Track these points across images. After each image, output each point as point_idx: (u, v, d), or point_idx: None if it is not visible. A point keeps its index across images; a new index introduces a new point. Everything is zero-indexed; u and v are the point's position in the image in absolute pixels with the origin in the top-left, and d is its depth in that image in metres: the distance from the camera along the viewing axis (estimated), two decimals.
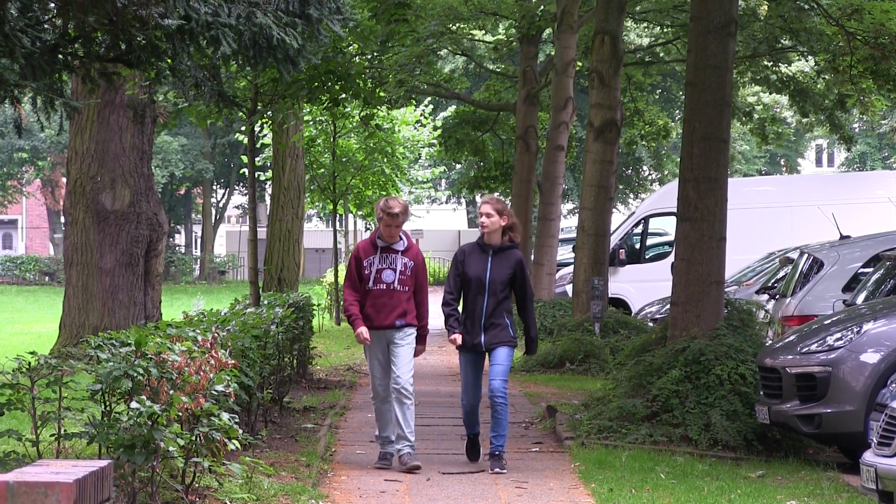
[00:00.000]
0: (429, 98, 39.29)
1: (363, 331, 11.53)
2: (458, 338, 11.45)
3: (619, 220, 31.47)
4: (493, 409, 11.37)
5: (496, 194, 12.14)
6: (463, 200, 68.96)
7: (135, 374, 8.80)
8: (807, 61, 29.13)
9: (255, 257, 19.07)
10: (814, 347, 12.14)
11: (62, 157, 58.37)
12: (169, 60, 10.64)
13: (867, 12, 20.85)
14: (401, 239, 11.63)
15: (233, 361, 10.11)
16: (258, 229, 23.49)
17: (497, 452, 11.45)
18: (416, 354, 11.77)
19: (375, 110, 26.30)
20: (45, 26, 10.50)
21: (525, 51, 27.63)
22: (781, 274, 19.15)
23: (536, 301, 23.12)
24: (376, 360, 11.67)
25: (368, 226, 64.95)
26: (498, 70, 33.56)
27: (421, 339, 11.78)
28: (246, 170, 25.58)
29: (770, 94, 34.81)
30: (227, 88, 16.24)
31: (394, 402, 11.54)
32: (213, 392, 9.39)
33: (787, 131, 32.95)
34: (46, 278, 61.04)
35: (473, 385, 11.63)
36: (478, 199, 66.08)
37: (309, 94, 19.24)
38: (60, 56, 10.39)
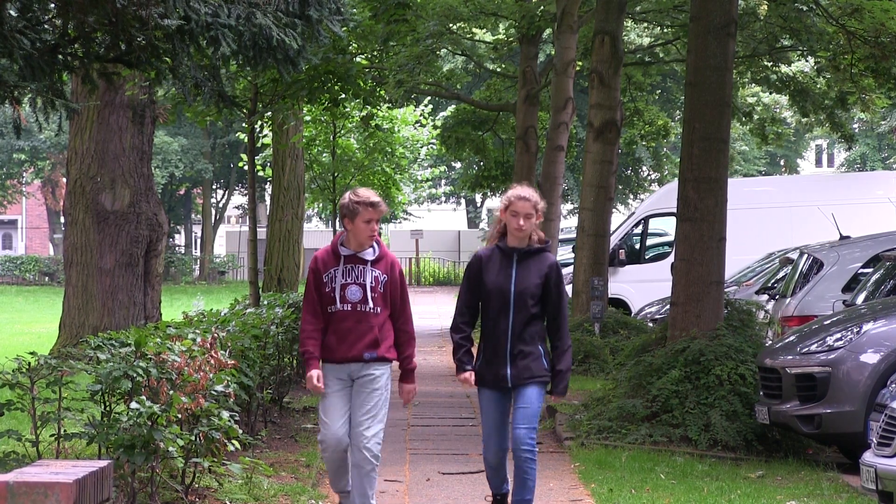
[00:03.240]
0: (428, 98, 39.28)
1: (314, 376, 8.70)
2: (471, 376, 8.89)
3: (619, 220, 31.48)
4: (517, 467, 8.81)
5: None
6: (463, 200, 68.90)
7: (134, 375, 8.81)
8: (807, 61, 29.12)
9: (255, 257, 19.06)
10: (814, 348, 12.15)
11: (62, 157, 58.38)
12: (169, 61, 10.64)
13: (867, 11, 20.86)
14: (370, 246, 8.90)
15: (232, 362, 10.12)
16: (258, 229, 23.50)
17: None
18: (406, 398, 9.03)
19: (375, 110, 26.31)
20: (45, 27, 10.50)
21: (525, 51, 27.62)
22: (781, 274, 19.15)
23: None
24: (333, 402, 8.81)
25: None
26: (498, 70, 33.55)
27: (409, 376, 8.99)
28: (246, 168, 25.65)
29: (770, 94, 34.80)
30: (227, 88, 16.25)
31: (351, 468, 8.81)
32: (213, 392, 9.40)
33: (787, 131, 32.91)
34: (46, 278, 61.03)
35: (498, 431, 8.93)
36: (478, 198, 66.10)
37: (309, 94, 19.25)
38: (60, 56, 10.39)
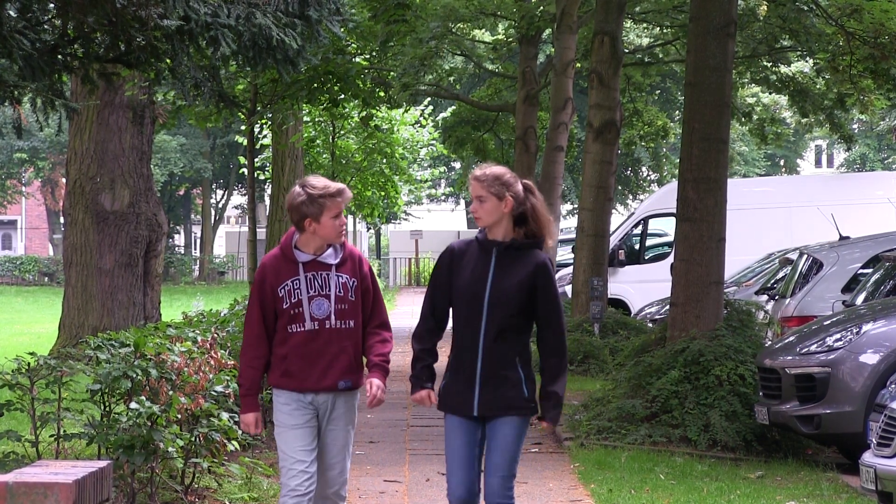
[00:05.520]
0: (428, 98, 39.31)
1: (252, 422, 7.16)
2: (427, 395, 6.99)
3: (619, 220, 31.49)
4: None
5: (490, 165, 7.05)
6: (462, 201, 68.97)
7: (134, 375, 8.82)
8: (806, 62, 29.12)
9: (255, 258, 19.06)
10: (813, 348, 12.15)
11: (62, 157, 58.40)
12: (168, 61, 10.65)
13: (866, 12, 20.86)
14: (331, 245, 7.15)
15: (232, 362, 10.12)
16: (258, 230, 23.50)
17: None
18: (375, 402, 7.06)
19: (374, 110, 26.31)
20: (45, 27, 10.50)
21: (524, 51, 27.62)
22: (781, 275, 19.15)
23: None
24: (300, 435, 7.09)
25: (367, 226, 64.86)
26: (498, 70, 33.58)
27: (380, 371, 7.11)
28: (245, 169, 25.68)
29: (769, 94, 34.81)
30: (227, 89, 16.26)
31: None
32: (213, 392, 9.41)
33: (786, 132, 32.91)
34: (46, 279, 61.03)
35: (464, 467, 6.94)
36: None
37: (308, 94, 19.27)
38: (60, 57, 10.39)
